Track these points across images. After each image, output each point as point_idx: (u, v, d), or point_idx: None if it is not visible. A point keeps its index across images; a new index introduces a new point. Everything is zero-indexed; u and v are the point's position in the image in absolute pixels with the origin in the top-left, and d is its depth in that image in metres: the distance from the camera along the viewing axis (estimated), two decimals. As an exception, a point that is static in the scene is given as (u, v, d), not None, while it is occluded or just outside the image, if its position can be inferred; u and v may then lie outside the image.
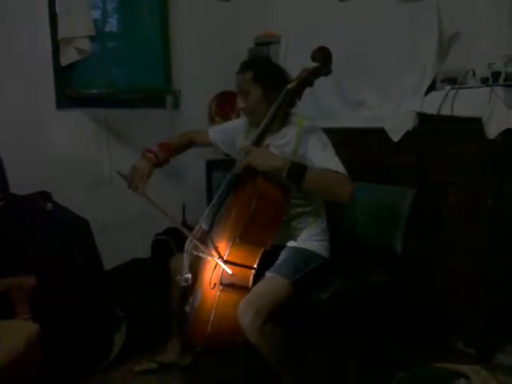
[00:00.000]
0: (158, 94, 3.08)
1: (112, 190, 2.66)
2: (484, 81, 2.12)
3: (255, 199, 1.56)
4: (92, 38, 2.56)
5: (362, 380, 1.93)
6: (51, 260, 1.94)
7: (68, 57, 2.53)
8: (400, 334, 2.12)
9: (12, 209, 2.02)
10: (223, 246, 1.63)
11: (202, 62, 3.18)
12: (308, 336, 1.89)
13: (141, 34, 2.96)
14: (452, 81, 2.21)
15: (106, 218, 2.73)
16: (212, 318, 1.57)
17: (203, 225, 1.76)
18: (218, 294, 1.59)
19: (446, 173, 2.18)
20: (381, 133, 2.36)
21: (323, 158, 1.64)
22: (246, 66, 1.78)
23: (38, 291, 1.69)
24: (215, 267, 1.63)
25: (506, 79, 2.08)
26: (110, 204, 2.77)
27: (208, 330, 1.57)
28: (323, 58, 1.66)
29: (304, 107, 1.85)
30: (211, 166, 3.22)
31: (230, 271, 1.58)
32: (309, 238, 1.82)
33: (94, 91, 2.72)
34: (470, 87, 2.12)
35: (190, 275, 1.64)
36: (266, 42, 3.23)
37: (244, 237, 1.58)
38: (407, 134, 2.28)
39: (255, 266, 1.64)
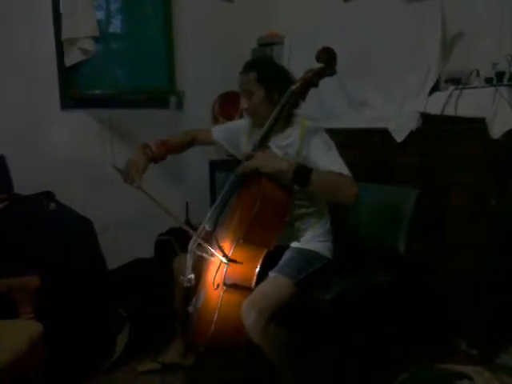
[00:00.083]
0: (161, 94, 3.09)
1: (115, 190, 2.65)
2: (488, 81, 2.11)
3: (259, 200, 1.56)
4: (96, 39, 2.57)
5: (364, 380, 1.92)
6: (54, 260, 1.94)
7: (72, 57, 2.53)
8: (403, 335, 2.12)
9: (16, 209, 2.03)
10: (227, 247, 1.63)
11: (206, 62, 3.18)
12: (311, 336, 1.89)
13: (144, 34, 2.97)
14: (456, 81, 2.20)
15: (108, 218, 2.73)
16: (215, 318, 1.58)
17: (207, 226, 1.77)
18: (221, 294, 1.59)
19: (449, 173, 2.18)
20: (384, 133, 2.35)
21: (327, 160, 1.63)
22: (249, 67, 1.77)
23: (41, 291, 1.70)
24: (218, 268, 1.63)
25: (510, 79, 2.08)
26: (113, 204, 2.78)
27: (211, 330, 1.57)
28: (328, 59, 1.64)
29: (309, 108, 1.84)
30: (214, 166, 3.23)
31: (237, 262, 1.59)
32: (312, 239, 1.82)
33: (98, 92, 2.73)
34: (474, 87, 2.11)
35: (193, 275, 1.65)
36: (269, 43, 3.23)
37: (248, 237, 1.58)
38: (411, 135, 2.27)
39: (258, 267, 1.64)
